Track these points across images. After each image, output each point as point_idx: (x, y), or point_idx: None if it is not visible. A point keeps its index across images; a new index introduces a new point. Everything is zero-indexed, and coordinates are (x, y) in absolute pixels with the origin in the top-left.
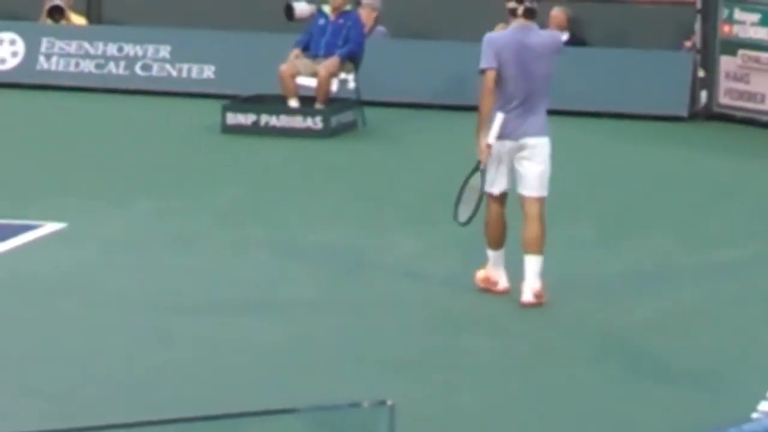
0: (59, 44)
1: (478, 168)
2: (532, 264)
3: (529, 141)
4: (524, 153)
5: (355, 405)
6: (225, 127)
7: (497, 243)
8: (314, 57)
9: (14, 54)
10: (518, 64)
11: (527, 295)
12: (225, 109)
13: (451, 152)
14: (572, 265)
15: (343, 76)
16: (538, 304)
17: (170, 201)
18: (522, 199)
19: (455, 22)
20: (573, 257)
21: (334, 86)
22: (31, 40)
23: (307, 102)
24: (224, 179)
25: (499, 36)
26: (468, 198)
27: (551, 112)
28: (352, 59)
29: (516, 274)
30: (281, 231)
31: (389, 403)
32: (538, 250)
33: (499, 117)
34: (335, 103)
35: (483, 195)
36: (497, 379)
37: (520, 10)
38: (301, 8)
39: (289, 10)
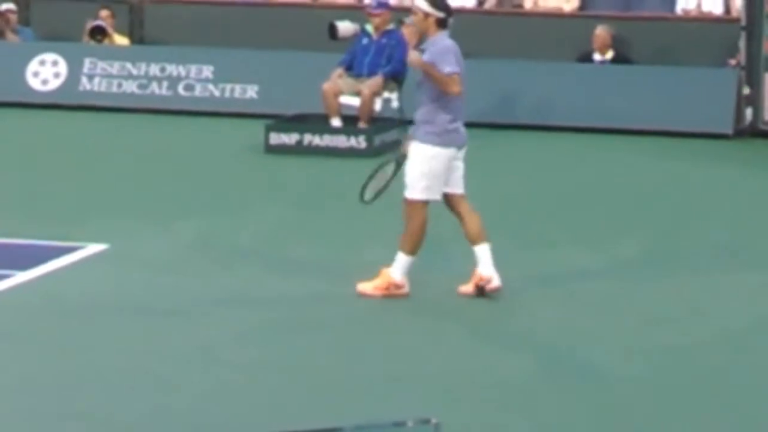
0: (102, 65)
1: (399, 161)
2: (488, 252)
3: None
4: (459, 155)
5: (400, 424)
6: (268, 147)
7: (419, 249)
8: (357, 76)
9: (56, 75)
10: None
11: (497, 281)
12: (268, 129)
13: (495, 170)
14: (618, 284)
15: (386, 95)
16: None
17: (214, 221)
18: (458, 198)
19: (498, 40)
20: (618, 277)
21: (378, 105)
22: (73, 60)
23: (350, 121)
24: (268, 199)
25: (453, 43)
26: (377, 182)
27: (595, 130)
28: (396, 78)
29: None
30: (325, 250)
31: (434, 421)
32: (486, 238)
33: None
34: (379, 123)
35: (389, 183)
36: (542, 399)
37: (450, 21)
38: (345, 27)
39: (332, 30)
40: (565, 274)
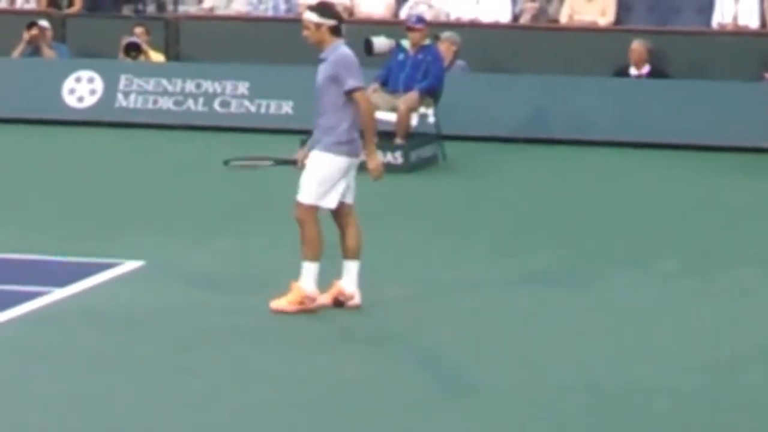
0: (137, 81)
1: (295, 165)
2: (356, 269)
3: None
4: (354, 165)
5: None
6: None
7: (320, 255)
8: (393, 92)
9: (92, 92)
10: None
11: (358, 298)
12: (303, 144)
13: (531, 185)
14: (657, 297)
15: (422, 110)
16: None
17: (249, 237)
18: (347, 208)
19: (534, 55)
20: (657, 290)
21: (414, 121)
22: (109, 77)
23: (387, 137)
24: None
25: (350, 51)
26: (251, 162)
27: (631, 144)
28: (432, 94)
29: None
30: (363, 265)
31: None
32: (359, 257)
33: None
34: (415, 138)
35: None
36: (578, 413)
37: (342, 27)
38: (380, 43)
39: (368, 45)
40: (602, 288)
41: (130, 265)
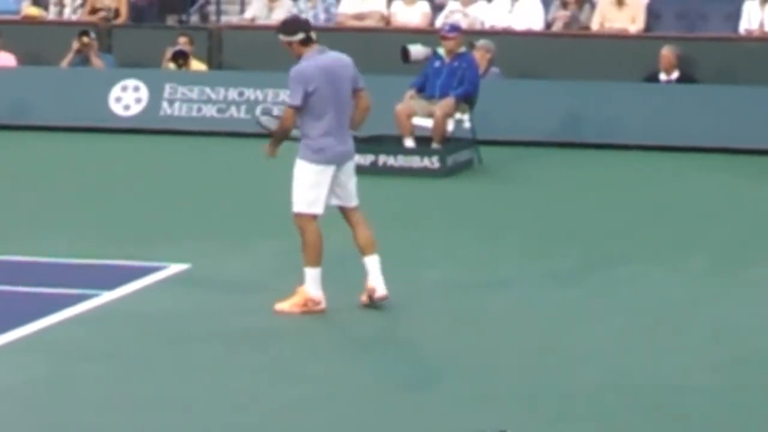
0: (182, 90)
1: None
2: (376, 263)
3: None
4: (343, 170)
5: None
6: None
7: (320, 260)
8: (430, 98)
9: (138, 100)
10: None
11: (382, 290)
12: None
13: (563, 188)
14: (686, 297)
15: (458, 116)
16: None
17: (290, 241)
18: (350, 210)
19: (566, 62)
20: (686, 290)
21: (450, 126)
22: (154, 86)
23: (424, 142)
24: (343, 219)
25: (313, 63)
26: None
27: (661, 148)
28: (467, 100)
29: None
30: (400, 268)
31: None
32: (375, 250)
33: None
34: (451, 143)
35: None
36: (612, 411)
37: (312, 35)
38: (417, 51)
39: (404, 53)
40: (633, 288)
41: (174, 269)
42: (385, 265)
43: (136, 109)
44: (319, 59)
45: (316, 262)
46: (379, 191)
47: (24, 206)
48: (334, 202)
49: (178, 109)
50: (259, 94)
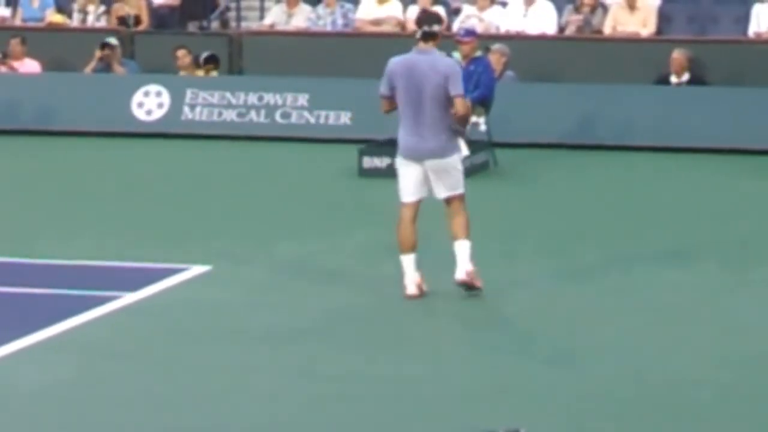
0: (203, 95)
1: None
2: (465, 248)
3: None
4: (429, 167)
5: None
6: (362, 171)
7: (405, 248)
8: None
9: (160, 105)
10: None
11: (460, 273)
12: (361, 154)
13: (577, 189)
14: (698, 295)
15: (474, 119)
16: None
17: (311, 242)
18: (445, 202)
19: (579, 65)
20: (698, 288)
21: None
22: (176, 91)
23: None
24: (362, 220)
25: (398, 60)
26: None
27: (672, 149)
28: (483, 103)
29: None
30: (418, 265)
31: (522, 431)
32: (465, 236)
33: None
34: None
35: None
36: (627, 407)
37: (418, 32)
38: None
39: None
40: (646, 287)
41: (197, 270)
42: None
43: (158, 114)
44: (412, 57)
45: (400, 249)
46: (396, 194)
47: (49, 210)
48: (426, 194)
49: (199, 114)
50: (279, 99)
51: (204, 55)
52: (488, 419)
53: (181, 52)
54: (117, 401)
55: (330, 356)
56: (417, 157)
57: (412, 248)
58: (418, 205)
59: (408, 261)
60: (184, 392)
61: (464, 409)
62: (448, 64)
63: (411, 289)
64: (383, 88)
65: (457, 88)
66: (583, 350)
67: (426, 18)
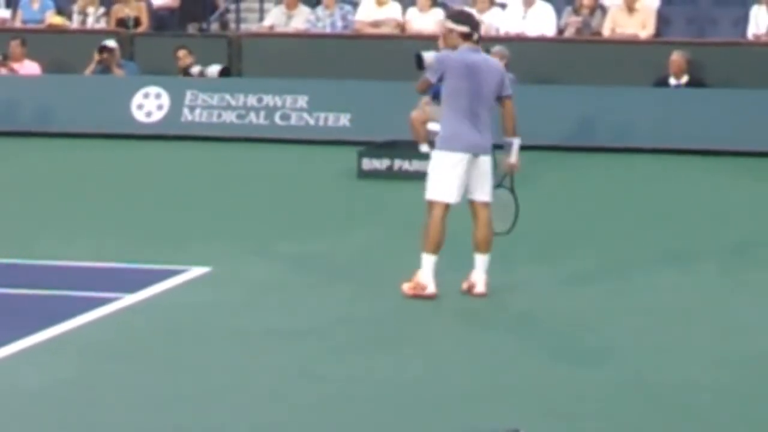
0: (202, 96)
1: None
2: (482, 262)
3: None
4: (476, 161)
5: None
6: (361, 172)
7: (434, 249)
8: None
9: (160, 107)
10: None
11: (480, 287)
12: (360, 155)
13: (577, 190)
14: (697, 296)
15: None
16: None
17: (310, 243)
18: (476, 205)
19: (578, 67)
20: (697, 290)
21: None
22: (175, 93)
23: None
24: (361, 221)
25: (451, 54)
26: (501, 212)
27: (671, 151)
28: None
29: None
30: (416, 270)
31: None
32: (486, 250)
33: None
34: None
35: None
36: (625, 409)
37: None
38: (431, 58)
39: (418, 60)
40: (645, 289)
41: (196, 271)
42: (400, 268)
43: (157, 116)
44: (468, 54)
45: (427, 249)
46: (396, 195)
47: (49, 211)
48: (468, 195)
49: (199, 116)
50: (278, 101)
51: (216, 67)
52: (488, 420)
53: (182, 53)
54: (117, 402)
55: (330, 357)
56: (477, 151)
57: (440, 249)
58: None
59: (433, 261)
60: (184, 393)
61: (464, 409)
62: (499, 64)
63: (433, 288)
64: (432, 76)
65: (509, 89)
66: (582, 351)
67: (468, 19)
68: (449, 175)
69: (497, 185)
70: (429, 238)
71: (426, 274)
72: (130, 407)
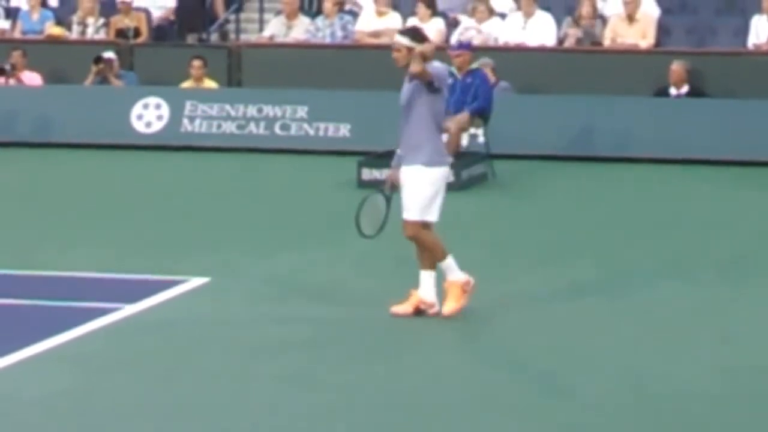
0: (202, 107)
1: (386, 194)
2: (432, 279)
3: None
4: None
5: None
6: (361, 182)
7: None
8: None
9: (159, 117)
10: None
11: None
12: (360, 165)
13: (576, 200)
14: (700, 306)
15: (472, 131)
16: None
17: (310, 254)
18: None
19: (578, 76)
20: (695, 298)
21: (465, 141)
22: (175, 103)
23: None
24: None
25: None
26: (372, 217)
27: (671, 161)
28: (481, 115)
29: None
30: (416, 280)
31: None
32: (434, 267)
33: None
34: (466, 157)
35: (386, 217)
36: (622, 418)
37: None
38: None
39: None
40: (645, 298)
41: (195, 282)
42: (400, 278)
43: (157, 126)
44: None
45: (442, 257)
46: (395, 204)
47: (48, 222)
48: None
49: (199, 126)
50: (278, 111)
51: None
52: (486, 428)
53: (197, 63)
54: (116, 412)
55: (329, 367)
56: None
57: None
58: None
59: (435, 277)
60: (183, 403)
61: (461, 420)
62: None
63: (437, 306)
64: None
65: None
66: (580, 361)
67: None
68: (441, 195)
69: (378, 190)
70: (438, 249)
71: (431, 292)
72: (128, 418)
